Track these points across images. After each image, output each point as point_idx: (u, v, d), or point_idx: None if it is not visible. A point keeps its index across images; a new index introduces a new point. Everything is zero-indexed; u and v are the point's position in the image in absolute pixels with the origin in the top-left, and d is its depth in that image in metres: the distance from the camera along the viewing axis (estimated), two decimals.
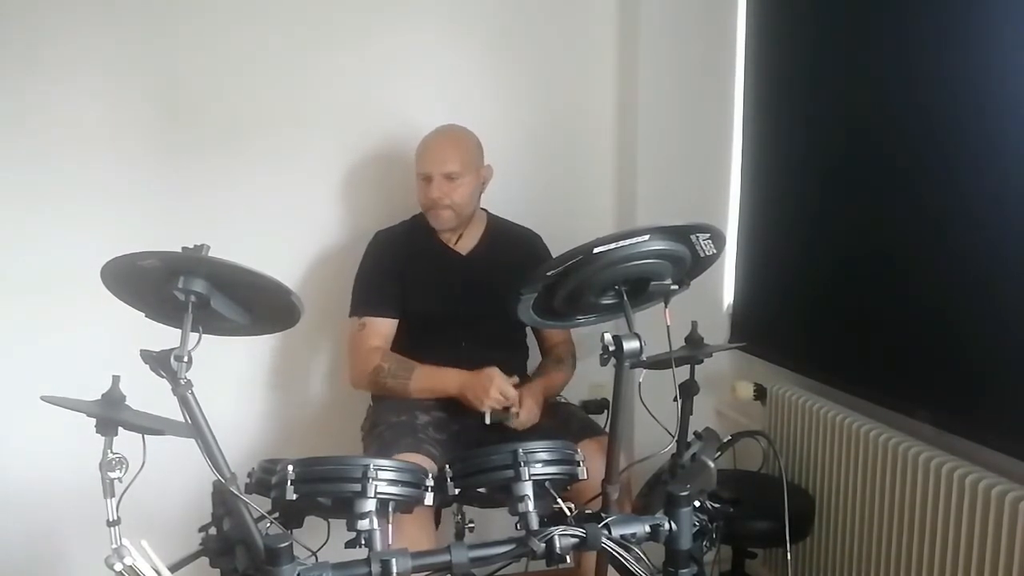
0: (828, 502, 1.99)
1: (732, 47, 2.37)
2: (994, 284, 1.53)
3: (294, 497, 1.31)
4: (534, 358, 2.23)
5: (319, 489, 1.33)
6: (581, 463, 1.46)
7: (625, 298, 1.41)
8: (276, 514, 1.39)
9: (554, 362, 2.15)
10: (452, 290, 2.08)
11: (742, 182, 2.39)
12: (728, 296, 2.47)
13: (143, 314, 1.42)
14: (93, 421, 1.29)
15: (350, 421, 2.19)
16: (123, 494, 1.27)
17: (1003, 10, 1.49)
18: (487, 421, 1.88)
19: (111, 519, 1.26)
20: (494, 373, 1.89)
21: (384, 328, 2.05)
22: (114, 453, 1.26)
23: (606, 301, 1.45)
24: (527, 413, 1.91)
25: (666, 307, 1.47)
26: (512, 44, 2.41)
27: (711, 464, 1.48)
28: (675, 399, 1.67)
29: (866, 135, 1.87)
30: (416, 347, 2.03)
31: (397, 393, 1.98)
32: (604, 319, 1.55)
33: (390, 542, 1.32)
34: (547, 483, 1.39)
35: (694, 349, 1.73)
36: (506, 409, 1.89)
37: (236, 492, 1.31)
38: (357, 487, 1.30)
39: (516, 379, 1.91)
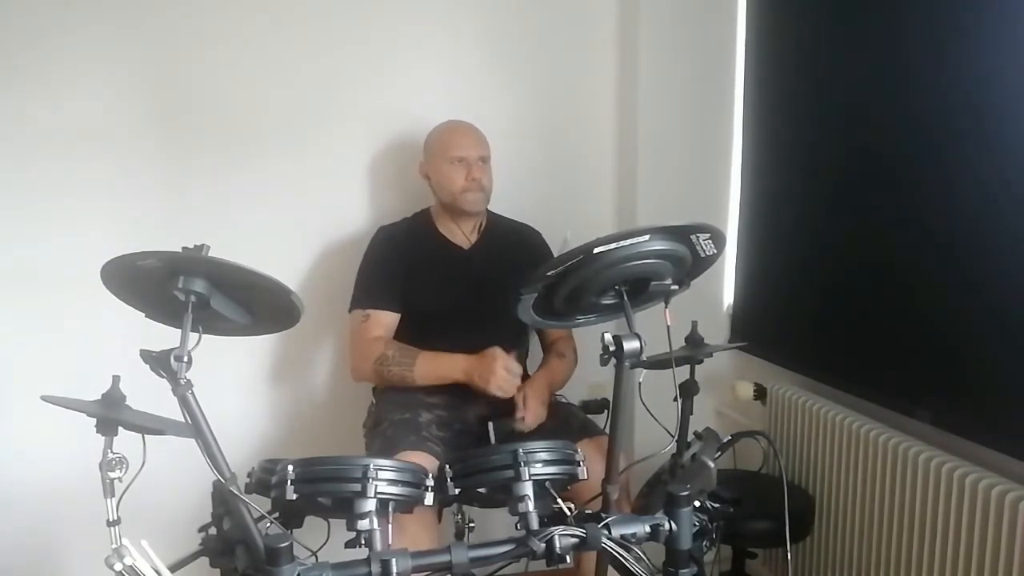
0: (828, 502, 1.99)
1: (732, 47, 2.38)
2: (994, 284, 1.53)
3: (294, 497, 1.31)
4: (535, 352, 2.23)
5: (319, 489, 1.33)
6: (581, 463, 1.46)
7: (625, 298, 1.41)
8: (276, 514, 1.39)
9: (556, 356, 2.16)
10: (454, 285, 2.08)
11: (742, 182, 2.39)
12: (728, 296, 2.47)
13: (143, 314, 1.42)
14: (93, 421, 1.29)
15: (351, 420, 2.19)
16: (123, 494, 1.27)
17: (1003, 15, 1.49)
18: (492, 440, 1.88)
19: (111, 519, 1.26)
20: (497, 352, 1.89)
21: (387, 320, 2.06)
22: (114, 453, 1.26)
23: (606, 301, 1.45)
24: (532, 415, 1.91)
25: (666, 307, 1.47)
26: (513, 45, 2.41)
27: (711, 464, 1.48)
28: (675, 399, 1.67)
29: (866, 134, 1.87)
30: (417, 342, 2.03)
31: (400, 382, 1.97)
32: (604, 319, 1.55)
33: (390, 542, 1.32)
34: (547, 483, 1.39)
35: (694, 349, 1.73)
36: (511, 416, 1.90)
37: (236, 492, 1.31)
38: (357, 487, 1.30)
39: (515, 353, 1.90)
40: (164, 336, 1.30)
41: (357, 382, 2.13)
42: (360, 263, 2.15)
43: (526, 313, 1.49)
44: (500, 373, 1.86)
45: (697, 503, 1.41)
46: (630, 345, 1.36)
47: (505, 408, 1.93)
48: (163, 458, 1.33)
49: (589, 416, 2.07)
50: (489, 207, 2.21)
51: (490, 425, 1.89)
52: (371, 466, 1.31)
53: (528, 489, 1.34)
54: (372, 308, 2.06)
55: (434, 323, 2.04)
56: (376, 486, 1.30)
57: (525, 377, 2.06)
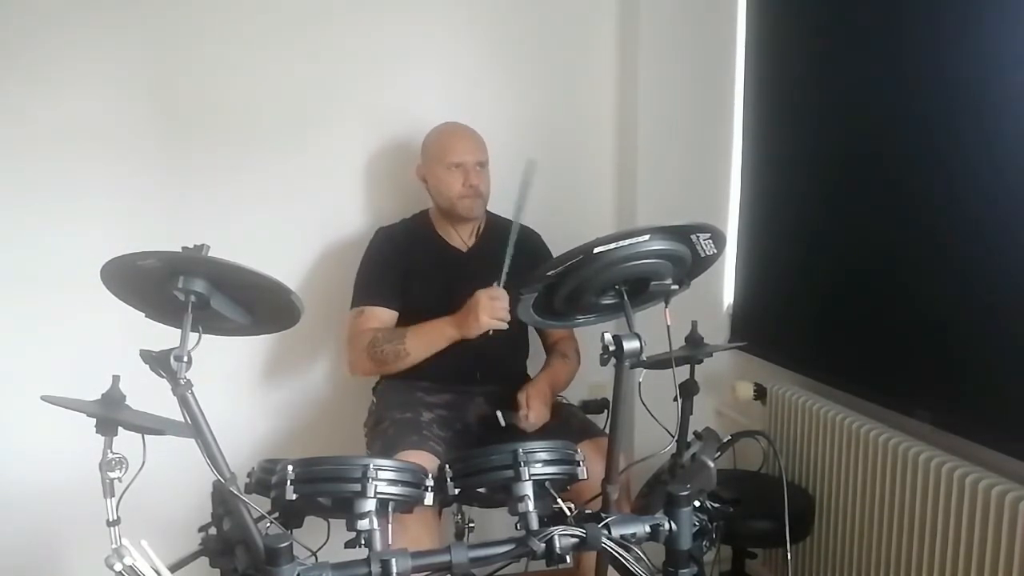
0: (828, 502, 1.99)
1: (732, 47, 2.38)
2: (993, 284, 1.53)
3: (294, 497, 1.31)
4: (535, 354, 2.23)
5: (319, 489, 1.33)
6: (581, 463, 1.46)
7: (625, 298, 1.41)
8: (276, 514, 1.39)
9: (558, 357, 2.16)
10: (452, 286, 2.07)
11: (742, 182, 2.40)
12: (728, 296, 2.47)
13: (143, 314, 1.42)
14: (93, 421, 1.29)
15: (351, 420, 2.19)
16: (123, 494, 1.27)
17: (1003, 14, 1.49)
18: (502, 423, 1.87)
19: (111, 519, 1.26)
20: (477, 292, 1.86)
21: (383, 316, 2.05)
22: (114, 453, 1.26)
23: (606, 301, 1.45)
24: (536, 415, 1.91)
25: (666, 307, 1.47)
26: (513, 45, 2.41)
27: (711, 464, 1.48)
28: (675, 399, 1.67)
29: (866, 135, 1.87)
30: None
31: (395, 360, 1.95)
32: (604, 319, 1.55)
33: (390, 542, 1.32)
34: (547, 483, 1.39)
35: (694, 349, 1.73)
36: (517, 409, 1.90)
37: (236, 492, 1.31)
38: (357, 487, 1.30)
39: (496, 284, 1.86)
40: (164, 336, 1.30)
41: (353, 374, 2.12)
42: (360, 263, 2.15)
43: (526, 313, 1.49)
44: (485, 302, 1.83)
45: (697, 503, 1.40)
46: (630, 345, 1.36)
47: (510, 408, 1.93)
48: (163, 458, 1.34)
49: (589, 416, 2.08)
50: (489, 208, 2.21)
51: (498, 413, 1.88)
52: (371, 466, 1.31)
53: (528, 489, 1.34)
54: (368, 304, 2.06)
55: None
56: (376, 486, 1.30)
57: (527, 380, 2.06)
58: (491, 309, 1.83)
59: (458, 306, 2.01)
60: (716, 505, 1.48)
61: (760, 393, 2.31)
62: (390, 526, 1.34)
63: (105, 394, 1.34)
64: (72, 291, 1.94)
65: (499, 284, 1.86)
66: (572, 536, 1.27)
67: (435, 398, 2.01)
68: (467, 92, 2.38)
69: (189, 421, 1.29)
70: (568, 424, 1.97)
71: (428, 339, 1.94)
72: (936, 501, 1.63)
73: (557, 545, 1.25)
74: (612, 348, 1.37)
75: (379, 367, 2.04)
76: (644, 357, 1.39)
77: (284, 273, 1.32)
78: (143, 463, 1.30)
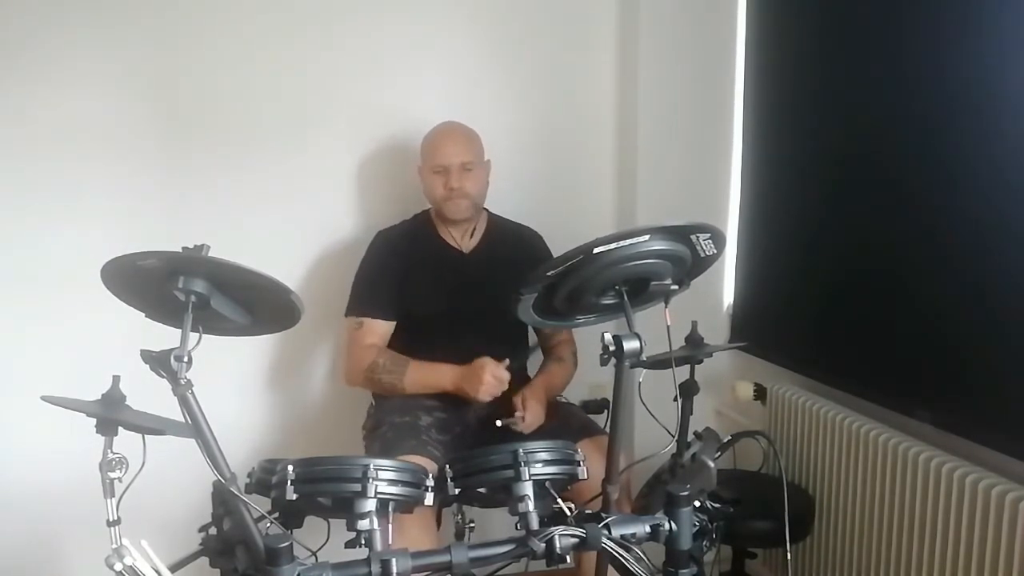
0: (828, 502, 1.99)
1: (732, 47, 2.38)
2: (994, 284, 1.53)
3: (294, 497, 1.31)
4: (534, 354, 2.23)
5: (319, 489, 1.33)
6: (581, 463, 1.46)
7: (625, 298, 1.41)
8: (276, 514, 1.39)
9: (555, 360, 2.16)
10: (453, 288, 2.08)
11: (742, 182, 2.39)
12: (728, 296, 2.47)
13: (143, 314, 1.42)
14: (93, 421, 1.29)
15: (351, 421, 2.19)
16: (123, 494, 1.28)
17: (1003, 15, 1.49)
18: (498, 424, 1.88)
19: (111, 519, 1.26)
20: (485, 360, 1.89)
21: (381, 329, 2.06)
22: (114, 453, 1.26)
23: (606, 301, 1.45)
24: (532, 415, 1.91)
25: (666, 307, 1.47)
26: (514, 45, 2.41)
27: (711, 464, 1.48)
28: (675, 399, 1.67)
29: (866, 135, 1.87)
30: (417, 346, 2.03)
31: (391, 390, 1.99)
32: (604, 319, 1.55)
33: (390, 542, 1.32)
34: (547, 483, 1.39)
35: (694, 349, 1.73)
36: (511, 415, 1.90)
37: (236, 492, 1.31)
38: (357, 487, 1.30)
39: (507, 361, 1.90)
40: (164, 336, 1.31)
41: (349, 387, 2.13)
42: (358, 267, 2.15)
43: (526, 313, 1.49)
44: (488, 380, 1.87)
45: (697, 503, 1.41)
46: (630, 345, 1.36)
47: (506, 410, 1.93)
48: (163, 458, 1.33)
49: (589, 416, 2.07)
50: (491, 209, 2.21)
51: (497, 422, 1.89)
52: (371, 466, 1.31)
53: (528, 489, 1.34)
54: (366, 316, 2.06)
55: (431, 326, 2.04)
56: (376, 486, 1.30)
57: (526, 381, 2.06)
58: (492, 388, 1.87)
59: (457, 307, 2.02)
60: (716, 505, 1.48)
61: (760, 393, 2.31)
62: (390, 526, 1.34)
63: (105, 394, 1.34)
64: (72, 291, 1.95)
65: (507, 365, 1.90)
66: (572, 536, 1.27)
67: (434, 400, 2.01)
68: (467, 92, 2.38)
69: (189, 421, 1.29)
70: (568, 423, 1.97)
71: (424, 383, 1.98)
72: (936, 501, 1.63)
73: (557, 545, 1.25)
74: (612, 348, 1.37)
75: (373, 388, 2.08)
76: (644, 357, 1.39)
77: (284, 273, 1.32)
78: (143, 463, 1.30)
